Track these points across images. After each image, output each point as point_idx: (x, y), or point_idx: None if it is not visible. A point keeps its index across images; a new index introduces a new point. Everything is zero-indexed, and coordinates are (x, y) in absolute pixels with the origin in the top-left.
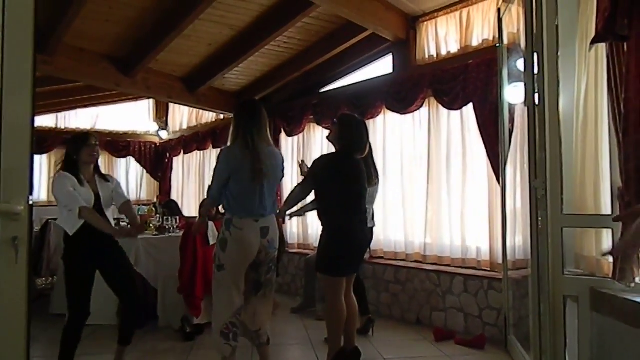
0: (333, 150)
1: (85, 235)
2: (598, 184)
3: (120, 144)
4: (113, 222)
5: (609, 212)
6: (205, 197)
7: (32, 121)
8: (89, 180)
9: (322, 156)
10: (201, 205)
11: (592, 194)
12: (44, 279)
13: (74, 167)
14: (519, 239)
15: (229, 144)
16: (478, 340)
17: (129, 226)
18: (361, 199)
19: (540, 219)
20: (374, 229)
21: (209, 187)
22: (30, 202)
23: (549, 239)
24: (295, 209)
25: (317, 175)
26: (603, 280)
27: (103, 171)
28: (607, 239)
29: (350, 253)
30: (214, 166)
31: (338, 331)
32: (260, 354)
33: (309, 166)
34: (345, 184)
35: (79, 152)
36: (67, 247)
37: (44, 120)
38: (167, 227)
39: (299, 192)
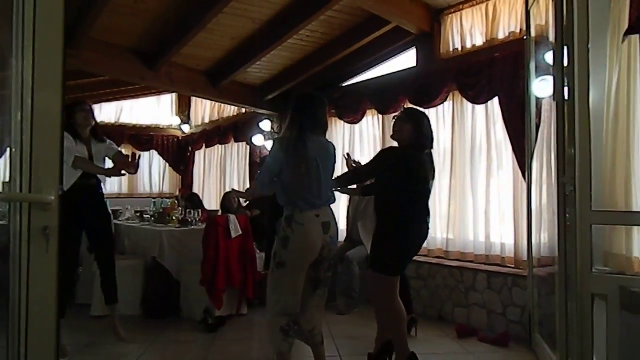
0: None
1: (76, 197)
2: (629, 180)
3: (144, 137)
4: (104, 184)
5: None
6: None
7: (62, 114)
8: (85, 142)
9: (396, 148)
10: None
11: (623, 190)
12: None
13: (71, 129)
14: (544, 235)
15: (281, 134)
16: (501, 337)
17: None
18: (427, 198)
19: (568, 215)
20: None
21: (258, 173)
22: (60, 193)
23: (577, 236)
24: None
25: (387, 167)
26: (633, 279)
27: None
28: (638, 236)
29: (411, 252)
30: (235, 160)
31: (402, 333)
32: (316, 353)
33: (376, 155)
34: (419, 181)
35: (74, 116)
36: None
37: None
38: (189, 219)
39: (353, 177)
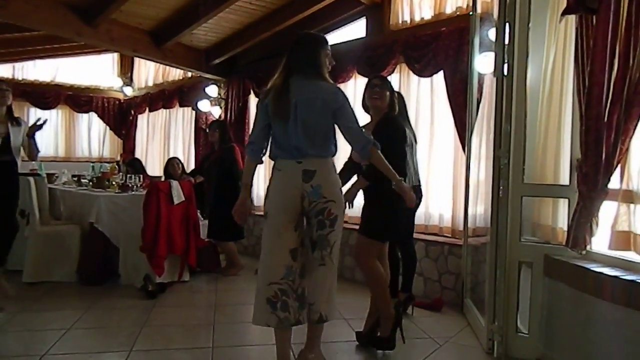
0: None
1: None
2: (558, 155)
3: (82, 99)
4: (19, 161)
5: (567, 183)
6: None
7: None
8: (1, 122)
9: (393, 117)
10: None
11: (552, 165)
12: None
13: None
14: (480, 207)
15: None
16: (436, 303)
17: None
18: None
19: (501, 187)
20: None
21: (247, 145)
22: None
23: (509, 207)
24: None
25: (393, 138)
26: (557, 248)
27: (61, 125)
28: (563, 208)
29: (397, 218)
30: (180, 125)
31: (385, 296)
32: (309, 330)
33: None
34: (406, 145)
35: None
36: None
37: None
38: (130, 185)
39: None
